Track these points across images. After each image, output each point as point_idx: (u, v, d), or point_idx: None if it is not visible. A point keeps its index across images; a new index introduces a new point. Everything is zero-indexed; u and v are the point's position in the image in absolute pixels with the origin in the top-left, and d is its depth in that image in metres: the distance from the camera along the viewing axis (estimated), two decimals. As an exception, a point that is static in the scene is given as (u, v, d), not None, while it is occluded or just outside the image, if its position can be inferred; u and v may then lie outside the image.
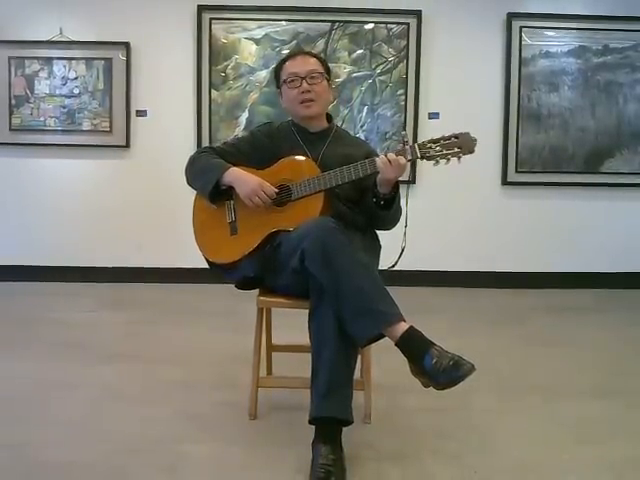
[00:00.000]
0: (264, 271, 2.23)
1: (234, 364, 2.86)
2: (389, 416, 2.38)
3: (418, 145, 2.12)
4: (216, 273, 2.36)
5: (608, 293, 4.61)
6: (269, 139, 2.37)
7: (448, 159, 2.11)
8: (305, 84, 2.30)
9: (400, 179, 2.17)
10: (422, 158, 2.12)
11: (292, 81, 2.32)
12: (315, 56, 2.40)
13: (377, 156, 2.17)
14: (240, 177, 2.24)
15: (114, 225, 4.68)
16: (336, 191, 2.24)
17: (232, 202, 2.30)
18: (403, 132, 2.17)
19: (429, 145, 2.11)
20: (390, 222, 2.33)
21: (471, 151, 2.10)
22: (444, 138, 2.11)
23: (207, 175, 2.27)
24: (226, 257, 2.29)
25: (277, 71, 2.41)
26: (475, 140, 2.10)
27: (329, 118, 2.45)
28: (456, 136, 2.11)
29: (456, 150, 2.10)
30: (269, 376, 2.68)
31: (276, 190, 2.23)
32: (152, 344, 3.24)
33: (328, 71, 2.40)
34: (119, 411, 2.40)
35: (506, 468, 2.02)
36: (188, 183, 2.37)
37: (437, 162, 2.12)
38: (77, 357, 2.99)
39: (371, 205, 2.24)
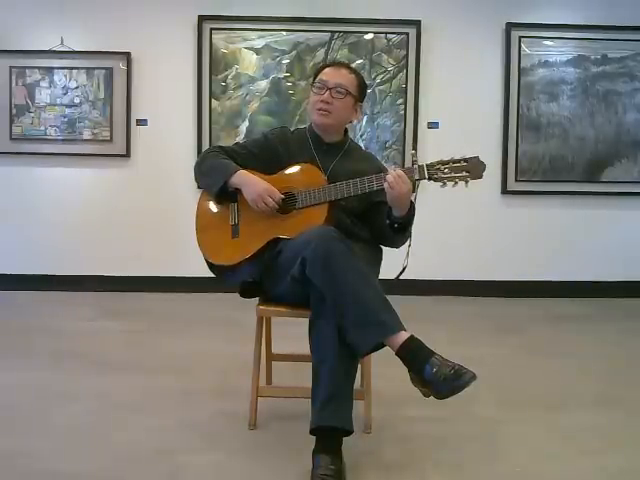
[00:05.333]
0: (263, 277, 2.24)
1: (234, 373, 2.85)
2: (389, 426, 2.38)
3: (427, 166, 2.12)
4: (215, 274, 2.37)
5: (608, 302, 4.61)
6: (282, 145, 2.37)
7: (455, 182, 2.11)
8: (327, 94, 2.30)
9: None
10: (430, 179, 2.12)
11: (318, 87, 2.33)
12: (354, 73, 2.38)
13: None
14: (248, 180, 2.25)
15: (114, 234, 4.67)
16: (341, 203, 2.24)
17: (236, 205, 2.31)
18: (412, 151, 2.17)
19: (438, 166, 2.11)
20: (399, 242, 2.32)
21: (479, 177, 2.10)
22: (453, 161, 2.11)
23: (215, 175, 2.29)
24: (225, 259, 2.29)
25: (316, 73, 2.40)
26: (484, 165, 2.10)
27: (345, 132, 2.45)
28: (465, 160, 2.10)
29: (464, 174, 2.09)
30: (269, 385, 2.68)
31: (282, 197, 2.24)
32: (152, 353, 3.24)
33: (361, 93, 2.38)
34: (119, 420, 2.39)
35: (507, 478, 2.02)
36: (196, 180, 2.42)
37: (444, 184, 2.12)
38: (77, 366, 2.99)
39: (383, 226, 2.23)
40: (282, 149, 2.36)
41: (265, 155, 2.36)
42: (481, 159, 2.11)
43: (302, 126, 2.51)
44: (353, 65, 4.50)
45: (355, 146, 2.51)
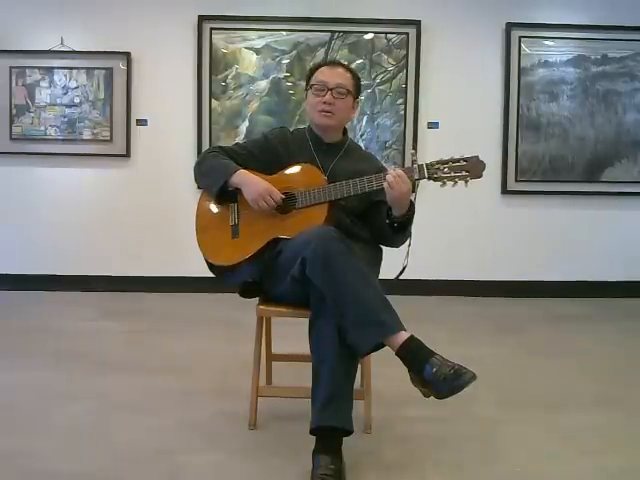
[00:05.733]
0: (263, 277, 2.24)
1: (234, 373, 2.85)
2: (389, 426, 2.38)
3: (426, 165, 2.12)
4: (215, 274, 2.37)
5: (608, 302, 4.61)
6: (282, 145, 2.37)
7: (455, 182, 2.11)
8: (329, 96, 2.29)
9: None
10: (429, 179, 2.12)
11: (318, 89, 2.31)
12: (351, 72, 2.38)
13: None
14: (248, 180, 2.25)
15: (114, 234, 4.68)
16: (341, 203, 2.24)
17: (236, 205, 2.31)
18: (412, 151, 2.18)
19: (437, 166, 2.11)
20: (399, 242, 2.32)
21: (478, 176, 2.10)
22: (453, 160, 2.11)
23: (215, 175, 2.29)
24: (225, 260, 2.29)
25: (311, 73, 2.39)
26: (484, 164, 2.10)
27: (344, 131, 2.45)
28: (465, 159, 2.11)
29: (464, 174, 2.10)
30: (269, 385, 2.68)
31: (282, 197, 2.24)
32: (152, 353, 3.24)
33: (358, 90, 2.39)
34: (119, 421, 2.39)
35: (507, 478, 2.02)
36: (196, 180, 2.42)
37: (444, 184, 2.12)
38: (77, 366, 2.99)
39: (383, 225, 2.23)
40: (282, 149, 2.36)
41: (265, 155, 2.36)
42: (480, 158, 2.12)
43: (302, 126, 2.51)
44: (353, 65, 4.55)
45: (355, 146, 2.51)
